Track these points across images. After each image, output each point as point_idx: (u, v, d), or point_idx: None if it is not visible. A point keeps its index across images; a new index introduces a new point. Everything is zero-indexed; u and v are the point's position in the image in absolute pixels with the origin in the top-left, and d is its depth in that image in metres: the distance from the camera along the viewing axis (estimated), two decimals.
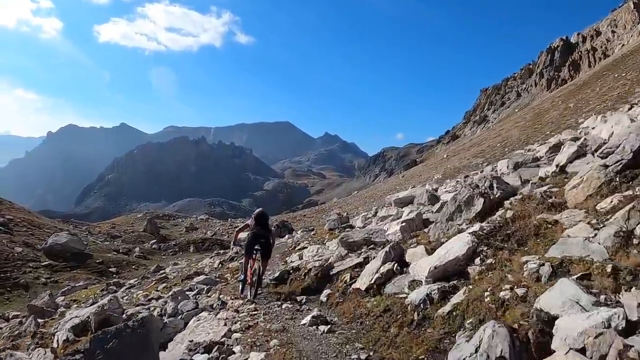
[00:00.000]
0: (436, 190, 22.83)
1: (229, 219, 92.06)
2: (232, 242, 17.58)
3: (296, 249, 21.87)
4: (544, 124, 59.08)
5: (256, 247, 12.41)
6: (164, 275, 29.78)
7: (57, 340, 11.30)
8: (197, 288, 16.45)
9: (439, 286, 7.81)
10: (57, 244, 46.48)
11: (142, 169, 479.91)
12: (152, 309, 13.82)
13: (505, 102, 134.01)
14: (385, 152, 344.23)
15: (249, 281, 12.25)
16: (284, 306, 11.12)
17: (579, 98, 64.88)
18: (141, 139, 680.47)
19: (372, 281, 9.87)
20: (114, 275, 43.06)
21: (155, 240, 61.53)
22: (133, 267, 46.80)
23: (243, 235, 14.53)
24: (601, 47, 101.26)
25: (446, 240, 9.82)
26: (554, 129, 49.32)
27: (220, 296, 13.29)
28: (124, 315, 12.68)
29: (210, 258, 32.75)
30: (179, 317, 11.77)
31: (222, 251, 37.48)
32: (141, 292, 23.14)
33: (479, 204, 10.88)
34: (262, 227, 13.09)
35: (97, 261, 46.96)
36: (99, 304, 12.80)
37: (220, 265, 26.08)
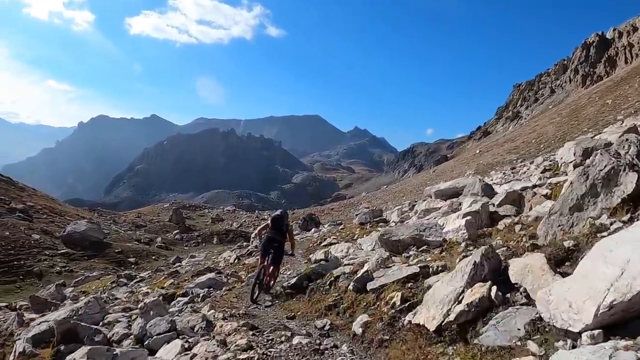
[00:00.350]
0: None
1: (256, 211, 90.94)
2: (253, 238, 17.12)
3: (322, 244, 20.84)
4: (581, 121, 57.68)
5: (270, 250, 12.61)
6: (176, 269, 28.49)
7: (15, 352, 9.20)
8: (191, 293, 14.55)
9: None
10: (76, 232, 45.61)
11: (172, 160, 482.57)
12: (133, 317, 11.62)
13: (539, 99, 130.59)
14: (415, 147, 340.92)
15: (256, 278, 12.37)
16: (294, 341, 7.37)
17: (617, 94, 63.53)
18: (171, 130, 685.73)
19: (451, 317, 5.95)
20: (132, 266, 41.98)
21: (178, 231, 60.26)
22: (153, 257, 45.67)
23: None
24: (638, 43, 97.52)
25: (572, 244, 6.20)
26: (592, 126, 48.50)
27: (210, 312, 10.65)
28: (100, 323, 10.71)
29: (231, 251, 31.26)
30: (146, 341, 8.92)
31: (245, 244, 35.84)
32: (146, 287, 21.74)
33: (627, 181, 6.64)
34: (277, 231, 13.17)
35: (116, 251, 46.09)
36: (73, 308, 10.83)
37: (237, 260, 24.93)
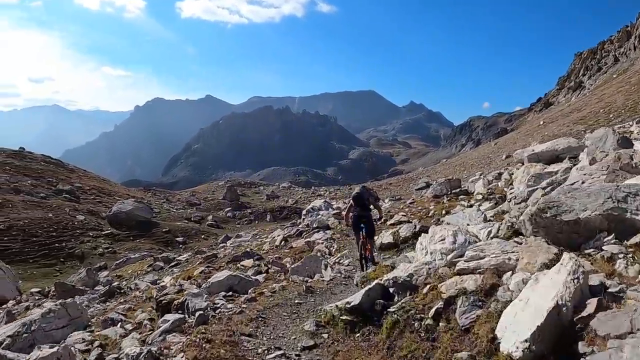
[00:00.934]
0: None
1: (312, 187, 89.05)
2: (345, 221, 16.32)
3: (387, 223, 19.16)
4: None
5: (361, 225, 13.41)
6: (215, 252, 26.18)
7: None
8: (186, 309, 9.56)
9: None
10: (122, 212, 45.03)
11: (227, 139, 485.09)
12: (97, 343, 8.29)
13: (602, 67, 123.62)
14: (472, 121, 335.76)
15: (361, 255, 13.43)
16: None
17: None
18: (226, 110, 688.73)
19: None
20: (180, 246, 41.09)
21: (230, 208, 58.49)
22: (202, 236, 44.85)
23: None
24: None
25: None
26: None
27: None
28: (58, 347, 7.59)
29: (284, 229, 28.85)
30: None
31: (298, 221, 32.82)
32: (170, 278, 19.70)
33: None
34: (362, 208, 13.89)
35: (164, 230, 45.38)
36: (25, 321, 7.75)
37: (283, 242, 23.45)
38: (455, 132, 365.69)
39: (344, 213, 16.40)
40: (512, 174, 18.65)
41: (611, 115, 49.91)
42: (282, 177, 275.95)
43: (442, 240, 8.50)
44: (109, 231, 41.82)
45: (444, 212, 17.16)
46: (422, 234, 10.63)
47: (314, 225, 25.26)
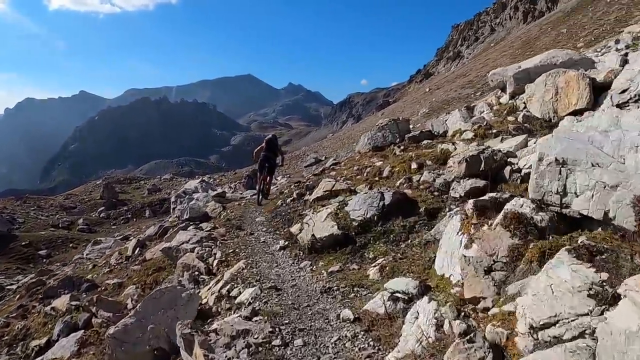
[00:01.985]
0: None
1: (196, 176, 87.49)
2: (253, 160, 19.54)
3: (309, 198, 15.01)
4: (538, 50, 55.30)
5: (266, 165, 17.14)
6: (42, 278, 23.15)
7: None
8: None
9: None
10: None
11: (105, 135, 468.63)
12: None
13: (479, 38, 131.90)
14: (351, 97, 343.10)
15: (258, 188, 17.37)
16: None
17: (570, 24, 64.25)
18: (102, 105, 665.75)
19: None
20: (44, 260, 37.52)
21: (103, 208, 55.99)
22: (71, 245, 41.19)
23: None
24: None
25: None
26: None
27: None
28: None
29: (153, 227, 25.65)
30: None
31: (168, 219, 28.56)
32: None
33: None
34: (271, 151, 17.45)
35: (23, 243, 40.87)
36: None
37: (138, 250, 19.58)
38: (336, 109, 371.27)
39: (254, 152, 18.62)
40: (501, 100, 16.11)
41: None
42: (164, 170, 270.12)
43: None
44: None
45: (414, 165, 13.04)
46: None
47: (185, 217, 19.52)
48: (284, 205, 16.26)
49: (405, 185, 12.01)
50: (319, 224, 10.87)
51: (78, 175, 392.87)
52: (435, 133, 17.29)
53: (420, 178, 11.92)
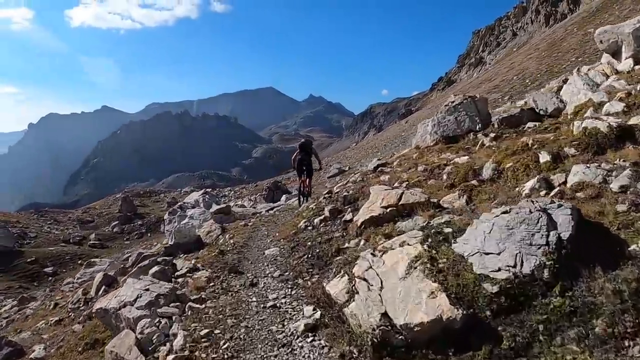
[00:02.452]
0: None
1: (216, 189, 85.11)
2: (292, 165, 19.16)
3: (358, 221, 9.48)
4: (565, 52, 56.55)
5: (303, 168, 17.76)
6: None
7: None
8: None
9: None
10: None
11: (128, 149, 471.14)
12: None
13: (501, 43, 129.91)
14: (373, 108, 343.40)
15: (300, 191, 18.05)
16: None
17: (597, 23, 60.00)
18: (124, 120, 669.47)
19: None
20: (50, 278, 34.79)
21: (117, 222, 53.16)
22: (80, 261, 37.89)
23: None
24: None
25: None
26: (580, 55, 48.71)
27: None
28: None
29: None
30: None
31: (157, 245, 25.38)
32: None
33: None
34: (305, 153, 18.03)
35: (29, 260, 38.20)
36: None
37: (103, 291, 14.93)
38: (357, 120, 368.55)
39: (292, 158, 18.68)
40: (618, 67, 11.65)
41: (527, 81, 50.15)
42: (187, 183, 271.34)
43: None
44: None
45: (544, 158, 8.24)
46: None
47: (171, 242, 15.50)
48: (310, 227, 11.52)
49: (543, 192, 7.15)
50: (394, 285, 5.70)
51: (100, 189, 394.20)
52: (542, 111, 12.26)
53: (570, 179, 7.14)
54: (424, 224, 7.30)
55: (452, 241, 6.13)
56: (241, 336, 6.89)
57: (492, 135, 11.58)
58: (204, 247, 13.99)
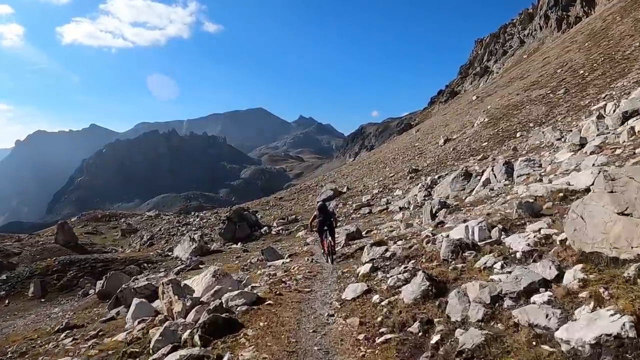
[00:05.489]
0: None
1: (181, 215, 74.60)
2: (309, 229, 23.07)
3: None
4: (619, 39, 51.83)
5: (324, 228, 17.40)
6: None
7: None
8: None
9: None
10: None
11: (113, 168, 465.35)
12: None
13: (507, 51, 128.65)
14: (364, 128, 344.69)
15: (326, 252, 17.45)
16: None
17: None
18: (112, 139, 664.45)
19: None
20: None
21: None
22: None
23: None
24: None
25: None
26: None
27: None
28: None
29: None
30: None
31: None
32: None
33: None
34: (325, 214, 17.73)
35: None
36: None
37: None
38: (347, 141, 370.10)
39: (310, 222, 20.71)
40: None
41: (581, 72, 47.29)
42: (172, 204, 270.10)
43: None
44: None
45: None
46: None
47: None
48: None
49: None
50: None
51: (83, 209, 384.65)
52: None
53: None
54: None
55: None
56: None
57: None
58: None
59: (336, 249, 17.90)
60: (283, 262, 19.98)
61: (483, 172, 24.42)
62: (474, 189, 22.96)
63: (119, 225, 63.20)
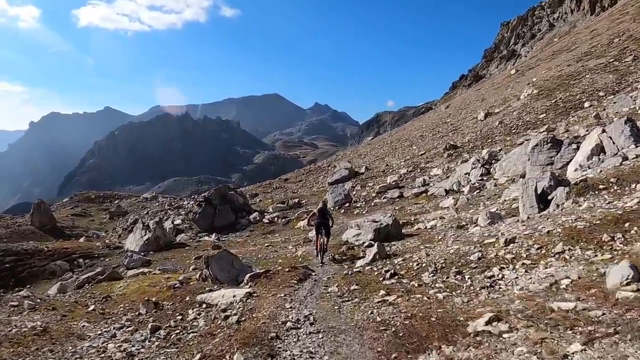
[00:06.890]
0: None
1: (169, 197, 67.82)
2: (307, 224, 23.34)
3: None
4: None
5: (321, 229, 18.92)
6: None
7: None
8: None
9: None
10: None
11: (125, 150, 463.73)
12: None
13: (536, 34, 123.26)
14: (380, 116, 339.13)
15: (318, 249, 18.84)
16: None
17: None
18: (126, 121, 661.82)
19: None
20: None
21: None
22: None
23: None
24: None
25: None
26: None
27: None
28: None
29: None
30: None
31: None
32: None
33: None
34: (323, 216, 19.42)
35: None
36: None
37: None
38: (362, 129, 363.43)
39: (308, 218, 22.37)
40: None
41: None
42: (184, 188, 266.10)
43: None
44: None
45: None
46: None
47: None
48: None
49: None
50: None
51: (94, 190, 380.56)
52: None
53: None
54: None
55: None
56: None
57: None
58: None
59: (328, 248, 19.38)
60: (231, 302, 10.91)
61: (576, 137, 17.38)
62: (572, 158, 16.02)
63: (114, 207, 56.94)
